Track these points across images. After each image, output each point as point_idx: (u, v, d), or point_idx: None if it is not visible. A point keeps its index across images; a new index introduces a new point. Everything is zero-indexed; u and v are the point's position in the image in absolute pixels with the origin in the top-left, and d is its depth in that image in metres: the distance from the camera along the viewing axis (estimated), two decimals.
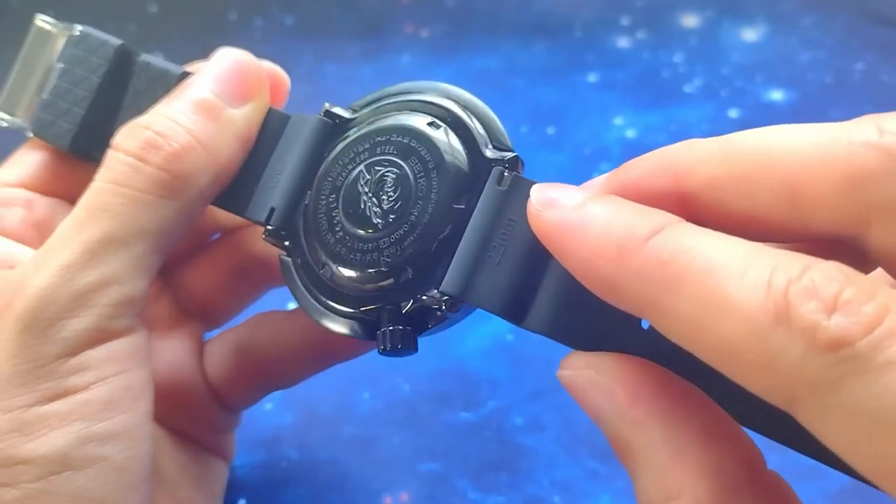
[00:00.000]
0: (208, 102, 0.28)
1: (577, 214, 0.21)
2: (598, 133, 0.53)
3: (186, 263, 0.34)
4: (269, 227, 0.28)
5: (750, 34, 0.57)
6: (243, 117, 0.29)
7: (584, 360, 0.22)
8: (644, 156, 0.23)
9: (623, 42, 0.58)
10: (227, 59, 0.29)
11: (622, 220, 0.20)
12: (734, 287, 0.17)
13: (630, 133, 0.53)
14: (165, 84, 0.31)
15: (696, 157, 0.21)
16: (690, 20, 0.58)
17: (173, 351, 0.33)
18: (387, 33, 0.60)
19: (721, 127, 0.52)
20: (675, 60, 0.56)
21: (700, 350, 0.18)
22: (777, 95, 0.54)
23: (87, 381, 0.25)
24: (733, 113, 0.53)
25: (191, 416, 0.33)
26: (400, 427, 0.42)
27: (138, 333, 0.27)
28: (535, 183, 0.25)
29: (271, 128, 0.29)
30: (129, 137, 0.27)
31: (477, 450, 0.41)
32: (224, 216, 0.31)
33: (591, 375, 0.21)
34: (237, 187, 0.29)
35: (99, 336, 0.25)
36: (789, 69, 0.55)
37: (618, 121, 0.53)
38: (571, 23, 0.59)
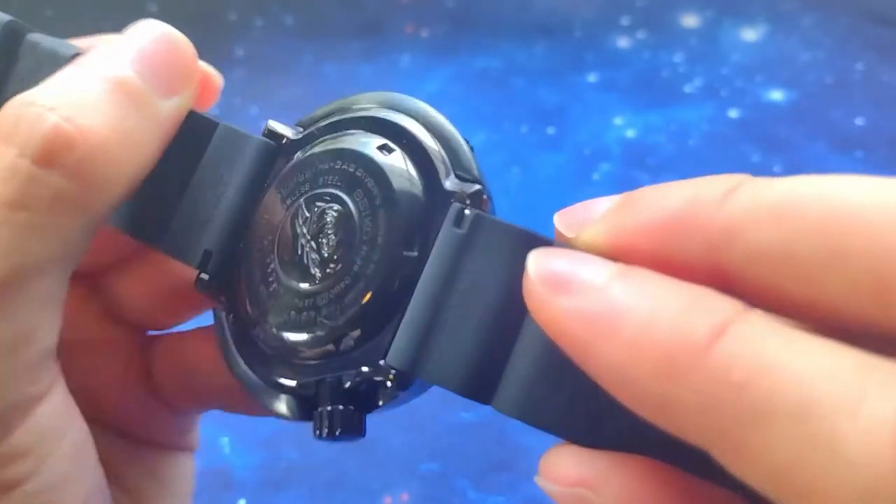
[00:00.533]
0: (130, 84, 0.21)
1: (602, 306, 0.15)
2: (599, 133, 0.53)
3: (117, 271, 0.28)
4: (201, 277, 0.23)
5: (750, 34, 0.57)
6: (170, 111, 0.22)
7: (572, 471, 0.16)
8: (659, 196, 0.17)
9: (623, 42, 0.57)
10: (156, 35, 0.22)
11: (668, 314, 0.15)
12: (846, 430, 0.12)
13: (630, 133, 0.52)
14: (54, 68, 0.24)
15: (739, 219, 0.15)
16: (690, 20, 0.58)
17: (110, 360, 0.28)
18: (387, 33, 0.60)
19: (721, 127, 0.52)
20: (675, 60, 0.56)
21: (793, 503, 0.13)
22: (777, 95, 0.54)
23: (28, 469, 0.20)
24: (733, 113, 0.53)
25: (142, 424, 0.29)
26: (400, 427, 0.42)
27: (60, 379, 0.22)
28: (501, 223, 0.19)
29: (191, 136, 0.23)
30: (25, 124, 0.19)
31: (477, 450, 0.41)
32: None
33: (585, 496, 0.16)
34: (149, 211, 0.24)
35: (25, 409, 0.20)
36: (789, 69, 0.55)
37: (618, 121, 0.53)
38: (571, 23, 0.59)
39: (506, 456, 0.41)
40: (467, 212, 0.20)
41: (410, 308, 0.20)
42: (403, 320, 0.20)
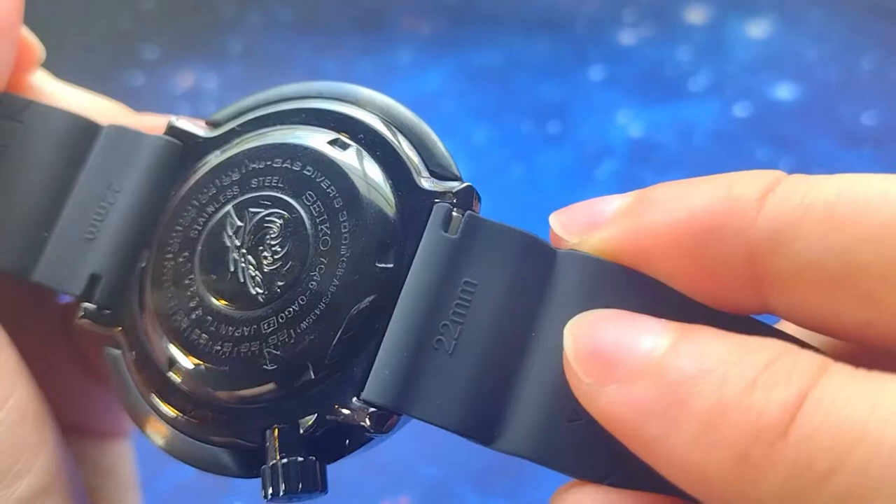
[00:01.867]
0: None
1: (660, 392, 0.13)
2: (601, 130, 0.52)
3: None
4: (87, 306, 0.19)
5: (756, 30, 0.56)
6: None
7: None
8: (683, 192, 0.15)
9: (626, 37, 0.57)
10: None
11: (736, 393, 0.12)
12: None
13: (634, 130, 0.52)
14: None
15: (786, 223, 0.13)
16: (695, 15, 0.57)
17: (33, 337, 0.24)
18: (386, 28, 0.59)
19: (727, 124, 0.51)
20: (680, 56, 0.55)
21: None
22: (783, 92, 0.53)
23: None
24: (739, 110, 0.52)
25: (75, 407, 0.27)
26: (399, 430, 0.41)
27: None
28: (500, 226, 0.17)
29: (67, 140, 0.20)
30: None
31: (478, 454, 0.40)
32: None
33: None
34: (11, 232, 0.20)
35: None
36: (796, 65, 0.54)
37: (621, 118, 0.52)
38: (574, 17, 0.58)
39: (507, 460, 0.40)
40: (455, 213, 0.17)
41: (392, 331, 0.17)
42: (383, 346, 0.17)
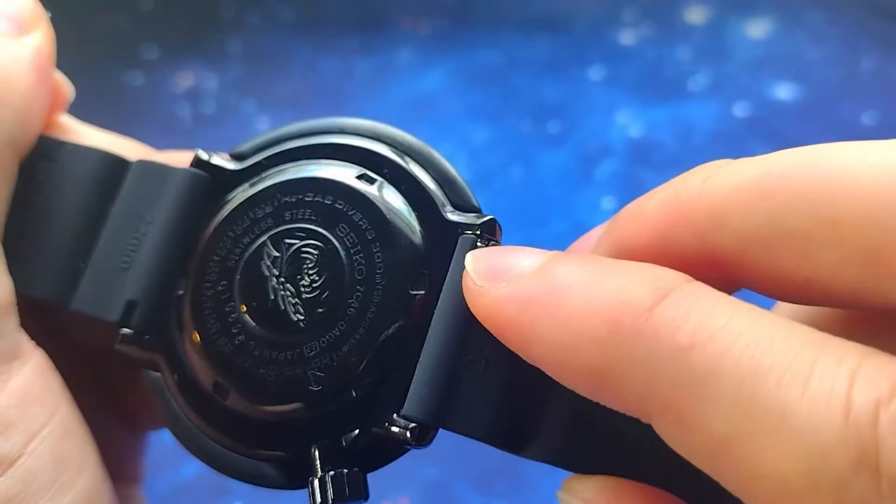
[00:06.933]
0: None
1: (539, 285, 0.15)
2: (601, 130, 0.52)
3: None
4: (125, 332, 0.20)
5: (756, 30, 0.56)
6: (34, 47, 0.21)
7: (604, 495, 0.16)
8: (642, 201, 0.17)
9: (626, 37, 0.57)
10: None
11: (610, 284, 0.14)
12: (795, 399, 0.12)
13: (634, 130, 0.52)
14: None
15: (722, 202, 0.15)
16: (695, 15, 0.57)
17: (68, 380, 0.23)
18: (386, 27, 0.59)
19: (727, 125, 0.51)
20: (680, 56, 0.55)
21: (732, 482, 0.13)
22: (783, 92, 0.53)
23: (15, 445, 0.18)
24: (739, 110, 0.52)
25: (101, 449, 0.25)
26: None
27: (35, 351, 0.20)
28: None
29: (98, 176, 0.21)
30: None
31: (478, 454, 0.40)
32: None
33: None
34: (52, 264, 0.21)
35: None
36: (796, 65, 0.54)
37: (621, 118, 0.52)
38: (574, 17, 0.58)
39: (507, 460, 0.40)
40: (480, 244, 0.19)
41: (428, 352, 0.18)
42: (420, 366, 0.18)
